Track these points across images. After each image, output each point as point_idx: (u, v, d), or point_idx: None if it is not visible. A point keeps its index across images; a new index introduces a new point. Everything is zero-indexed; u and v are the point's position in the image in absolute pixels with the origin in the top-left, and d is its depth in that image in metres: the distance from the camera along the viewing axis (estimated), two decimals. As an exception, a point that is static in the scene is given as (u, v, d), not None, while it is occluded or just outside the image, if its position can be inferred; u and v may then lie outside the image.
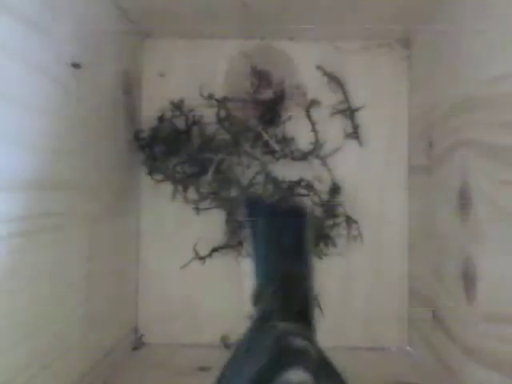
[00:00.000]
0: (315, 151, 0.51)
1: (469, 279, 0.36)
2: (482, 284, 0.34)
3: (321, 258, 0.50)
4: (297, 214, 0.40)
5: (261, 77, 0.51)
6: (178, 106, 0.51)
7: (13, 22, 0.27)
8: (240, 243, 0.50)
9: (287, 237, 0.37)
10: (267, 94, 0.51)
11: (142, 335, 0.51)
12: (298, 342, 0.24)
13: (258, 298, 0.33)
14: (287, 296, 0.31)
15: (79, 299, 0.37)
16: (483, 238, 0.34)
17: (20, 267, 0.28)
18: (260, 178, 0.50)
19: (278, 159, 0.50)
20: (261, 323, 0.29)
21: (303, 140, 0.51)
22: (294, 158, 0.50)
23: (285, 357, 0.23)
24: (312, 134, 0.51)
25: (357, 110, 0.52)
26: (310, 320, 0.31)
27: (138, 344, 0.51)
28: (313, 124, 0.51)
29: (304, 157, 0.51)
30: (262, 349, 0.24)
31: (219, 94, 0.51)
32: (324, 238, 0.50)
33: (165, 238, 0.52)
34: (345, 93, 0.52)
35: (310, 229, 0.38)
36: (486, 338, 0.33)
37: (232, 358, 0.27)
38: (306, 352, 0.23)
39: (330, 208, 0.50)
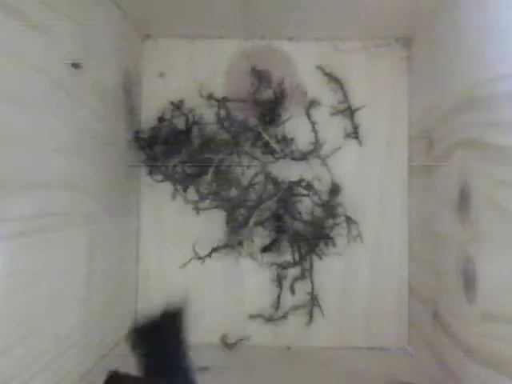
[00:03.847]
0: (315, 151, 0.51)
1: (469, 279, 0.36)
2: (482, 284, 0.34)
3: (321, 258, 0.51)
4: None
5: (261, 77, 0.51)
6: (177, 106, 0.51)
7: (12, 22, 0.27)
8: (240, 243, 0.50)
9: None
10: (267, 94, 0.51)
11: (142, 335, 0.51)
12: None
13: None
14: None
15: (79, 299, 0.37)
16: (483, 238, 0.34)
17: (20, 267, 0.28)
18: (260, 178, 0.50)
19: (277, 159, 0.50)
20: None
21: (303, 140, 0.51)
22: (294, 158, 0.50)
23: None
24: (312, 134, 0.51)
25: (357, 109, 0.52)
26: None
27: (137, 344, 0.51)
28: (313, 124, 0.51)
29: (304, 157, 0.51)
30: None
31: (219, 93, 0.51)
32: (324, 238, 0.50)
33: (165, 238, 0.52)
34: (345, 93, 0.52)
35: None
36: (485, 338, 0.33)
37: None
38: None
39: (330, 208, 0.50)
